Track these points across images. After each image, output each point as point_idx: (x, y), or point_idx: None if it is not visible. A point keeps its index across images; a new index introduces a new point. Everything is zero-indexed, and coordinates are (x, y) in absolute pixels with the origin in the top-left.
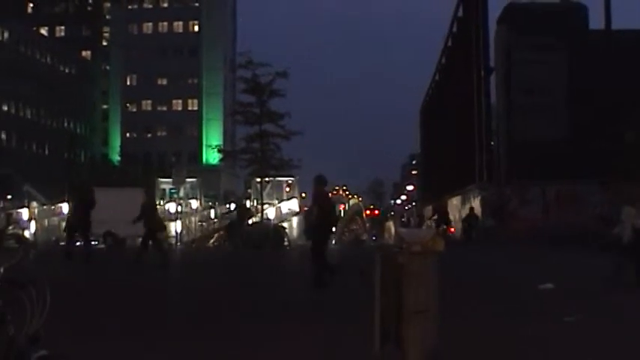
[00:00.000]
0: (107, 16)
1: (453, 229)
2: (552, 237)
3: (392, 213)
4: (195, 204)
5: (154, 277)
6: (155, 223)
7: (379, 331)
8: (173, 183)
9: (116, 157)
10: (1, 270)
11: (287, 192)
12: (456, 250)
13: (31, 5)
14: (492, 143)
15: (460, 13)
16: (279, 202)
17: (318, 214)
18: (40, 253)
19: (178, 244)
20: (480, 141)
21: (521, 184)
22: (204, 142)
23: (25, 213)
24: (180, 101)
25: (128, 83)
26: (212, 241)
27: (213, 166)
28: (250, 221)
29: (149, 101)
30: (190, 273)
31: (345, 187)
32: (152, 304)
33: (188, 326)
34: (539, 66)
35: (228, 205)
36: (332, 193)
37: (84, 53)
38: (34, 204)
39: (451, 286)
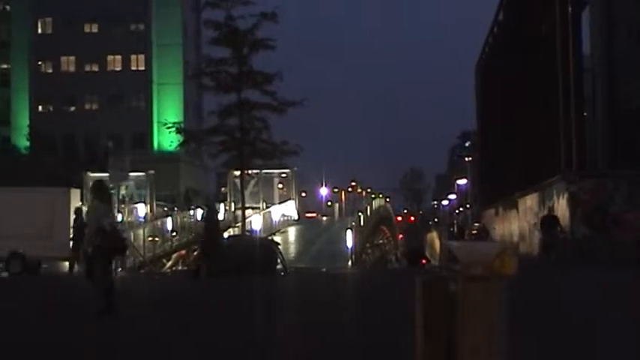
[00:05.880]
0: None
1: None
2: None
3: (436, 220)
4: (143, 210)
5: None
6: None
7: None
8: (110, 179)
9: (23, 142)
10: None
11: (280, 191)
12: (533, 274)
13: None
14: (585, 114)
15: None
16: (268, 206)
17: None
18: None
19: (119, 270)
20: (567, 112)
21: (629, 174)
22: (155, 119)
23: None
24: (119, 57)
25: (40, 31)
26: (170, 264)
27: (170, 153)
28: (226, 234)
29: (72, 58)
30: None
31: (359, 183)
32: None
33: None
34: None
35: (192, 211)
36: (345, 192)
37: None
38: None
39: (525, 325)
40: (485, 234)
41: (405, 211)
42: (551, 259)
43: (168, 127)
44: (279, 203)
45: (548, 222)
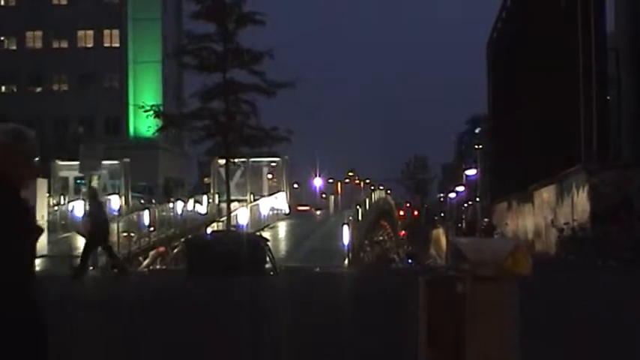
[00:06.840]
0: None
1: None
2: None
3: (442, 214)
4: (117, 202)
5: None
6: None
7: None
8: (81, 169)
9: None
10: None
11: (269, 181)
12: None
13: None
14: (608, 98)
15: None
16: (256, 198)
17: None
18: None
19: (91, 269)
20: (588, 95)
21: None
22: (130, 101)
23: None
24: (90, 33)
25: (2, 3)
26: (147, 262)
27: (148, 140)
28: (209, 229)
29: (38, 33)
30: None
31: (357, 173)
32: None
33: None
34: None
35: (172, 204)
36: (341, 183)
37: None
38: None
39: (542, 333)
40: (491, 229)
41: (408, 204)
42: (598, 265)
43: (146, 111)
44: (269, 195)
45: None
